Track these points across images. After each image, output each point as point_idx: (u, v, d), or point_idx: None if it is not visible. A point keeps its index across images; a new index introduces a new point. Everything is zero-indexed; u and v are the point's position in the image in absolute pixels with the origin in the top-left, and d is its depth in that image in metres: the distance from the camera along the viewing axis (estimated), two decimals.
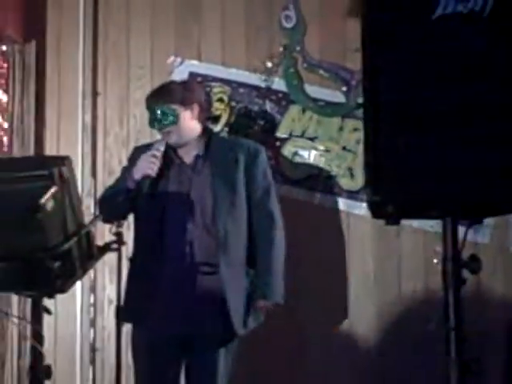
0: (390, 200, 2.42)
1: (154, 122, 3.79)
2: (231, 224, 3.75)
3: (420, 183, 2.39)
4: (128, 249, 3.81)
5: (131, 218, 3.84)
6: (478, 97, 2.35)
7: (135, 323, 3.75)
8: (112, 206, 3.72)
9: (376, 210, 2.48)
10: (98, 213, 3.83)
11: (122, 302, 3.51)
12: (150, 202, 3.69)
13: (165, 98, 3.79)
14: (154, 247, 3.72)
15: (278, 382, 4.44)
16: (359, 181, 4.43)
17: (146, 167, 3.67)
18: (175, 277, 3.70)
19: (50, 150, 4.89)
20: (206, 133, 3.91)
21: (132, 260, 3.83)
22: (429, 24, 2.37)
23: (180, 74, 4.68)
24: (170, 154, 3.81)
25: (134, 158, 3.89)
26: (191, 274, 3.71)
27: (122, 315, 3.57)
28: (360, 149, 4.41)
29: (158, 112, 3.75)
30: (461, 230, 2.53)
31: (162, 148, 3.74)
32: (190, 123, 3.82)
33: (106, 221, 3.68)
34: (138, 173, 3.67)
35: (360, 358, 4.41)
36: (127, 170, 3.87)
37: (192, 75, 4.71)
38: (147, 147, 3.86)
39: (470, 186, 2.37)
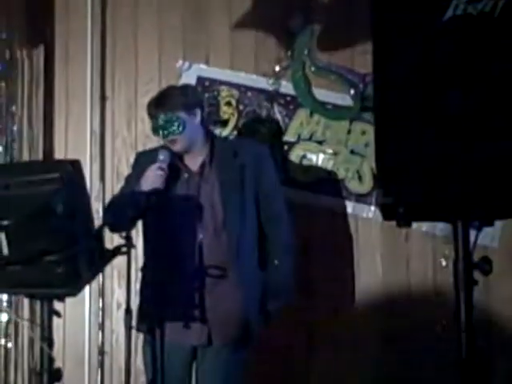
0: (402, 202, 2.42)
1: (158, 129, 3.73)
2: (242, 228, 3.73)
3: (431, 185, 2.39)
4: (137, 252, 3.83)
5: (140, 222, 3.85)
6: (491, 97, 2.35)
7: (150, 332, 3.68)
8: (120, 218, 3.68)
9: (387, 212, 2.48)
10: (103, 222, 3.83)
11: (131, 306, 3.49)
12: (159, 212, 3.65)
13: (168, 105, 3.73)
14: (166, 257, 3.67)
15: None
16: (367, 184, 4.43)
17: (153, 180, 3.63)
18: (189, 285, 3.68)
19: (58, 154, 4.90)
20: (209, 136, 3.87)
21: (143, 270, 3.83)
22: (439, 26, 2.37)
23: (188, 78, 4.69)
24: (177, 163, 3.78)
25: (137, 165, 3.88)
26: (204, 282, 3.68)
27: (137, 325, 3.62)
28: (368, 152, 4.42)
29: (163, 120, 3.70)
30: (471, 232, 2.52)
31: (168, 159, 3.71)
32: (194, 129, 3.78)
33: (112, 230, 3.70)
34: (146, 186, 3.63)
35: (368, 360, 4.40)
36: (131, 178, 3.86)
37: (200, 79, 4.72)
38: (150, 153, 3.85)
39: (481, 187, 2.37)
